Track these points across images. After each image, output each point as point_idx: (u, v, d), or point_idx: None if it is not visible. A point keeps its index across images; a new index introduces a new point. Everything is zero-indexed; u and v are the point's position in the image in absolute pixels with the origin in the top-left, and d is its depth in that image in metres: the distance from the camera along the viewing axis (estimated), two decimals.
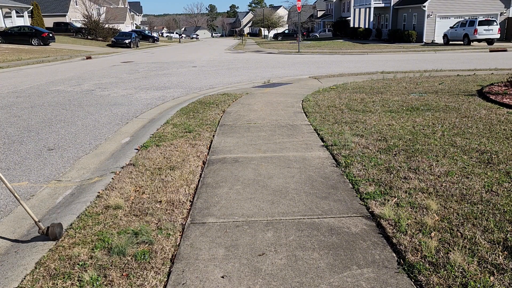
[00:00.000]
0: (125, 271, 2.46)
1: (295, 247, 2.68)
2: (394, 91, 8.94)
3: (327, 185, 3.70)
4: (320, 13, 76.92)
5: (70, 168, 4.68)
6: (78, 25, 48.54)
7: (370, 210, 3.18)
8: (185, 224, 3.04)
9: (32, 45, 30.96)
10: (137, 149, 5.09)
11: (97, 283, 2.34)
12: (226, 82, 12.45)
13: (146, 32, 62.61)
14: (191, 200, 3.47)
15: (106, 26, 45.29)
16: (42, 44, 31.43)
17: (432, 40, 34.50)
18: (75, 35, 44.99)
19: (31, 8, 38.96)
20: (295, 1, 36.98)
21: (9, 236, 3.12)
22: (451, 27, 31.47)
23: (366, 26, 43.92)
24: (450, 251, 2.55)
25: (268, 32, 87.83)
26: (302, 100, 8.19)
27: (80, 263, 2.54)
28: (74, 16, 52.58)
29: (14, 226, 3.28)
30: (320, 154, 4.62)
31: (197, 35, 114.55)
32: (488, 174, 3.83)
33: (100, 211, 3.29)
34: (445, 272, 2.35)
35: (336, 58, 22.01)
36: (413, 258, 2.50)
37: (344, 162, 4.26)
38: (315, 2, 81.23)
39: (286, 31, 67.51)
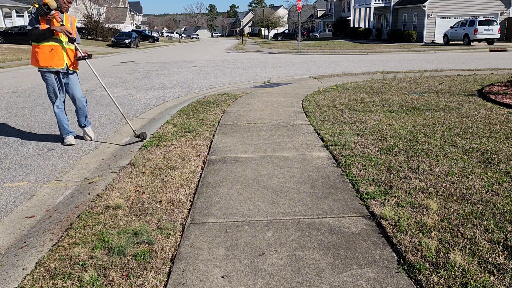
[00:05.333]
0: (125, 271, 2.46)
1: (295, 247, 2.68)
2: (394, 91, 8.94)
3: (327, 185, 3.70)
4: (320, 13, 76.93)
5: (70, 168, 4.68)
6: (78, 25, 48.48)
7: (370, 210, 3.18)
8: (185, 224, 3.04)
9: None
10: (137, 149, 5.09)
11: (97, 283, 2.34)
12: (226, 82, 12.45)
13: (146, 32, 62.67)
14: (191, 200, 3.47)
15: (106, 26, 45.36)
16: None
17: (432, 40, 34.50)
18: None
19: (31, 8, 38.99)
20: (295, 1, 36.97)
21: (9, 236, 3.13)
22: (451, 27, 31.48)
23: (366, 26, 43.93)
24: (450, 251, 2.55)
25: (268, 32, 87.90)
26: (302, 100, 8.19)
27: (80, 263, 2.54)
28: (74, 16, 52.59)
29: (14, 226, 3.29)
30: (320, 154, 4.62)
31: (197, 35, 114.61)
32: (488, 174, 3.83)
33: (100, 211, 3.29)
34: (445, 272, 2.35)
35: (336, 58, 22.01)
36: (413, 258, 2.50)
37: (344, 162, 4.26)
38: (315, 2, 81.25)
39: (286, 31, 67.59)
